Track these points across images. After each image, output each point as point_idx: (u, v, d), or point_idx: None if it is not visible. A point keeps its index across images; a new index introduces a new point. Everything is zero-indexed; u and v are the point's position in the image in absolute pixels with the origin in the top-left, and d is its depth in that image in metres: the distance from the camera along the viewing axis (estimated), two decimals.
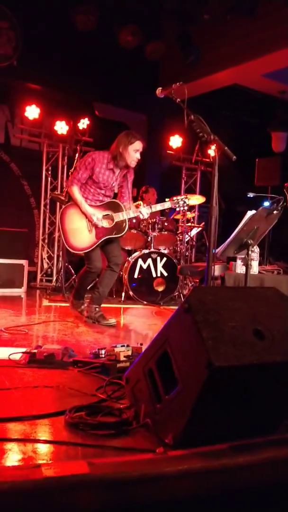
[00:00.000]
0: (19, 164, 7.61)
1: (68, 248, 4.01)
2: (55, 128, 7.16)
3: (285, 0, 5.96)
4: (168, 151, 7.99)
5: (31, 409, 1.82)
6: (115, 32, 6.98)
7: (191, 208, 7.41)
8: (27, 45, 6.64)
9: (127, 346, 2.46)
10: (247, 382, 1.52)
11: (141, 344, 2.68)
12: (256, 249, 3.76)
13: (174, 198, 4.34)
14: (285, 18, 6.05)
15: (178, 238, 6.61)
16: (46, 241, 7.60)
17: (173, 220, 6.85)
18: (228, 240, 3.32)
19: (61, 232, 4.02)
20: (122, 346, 2.45)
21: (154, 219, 6.17)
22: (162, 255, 5.96)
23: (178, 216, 7.15)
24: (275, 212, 3.34)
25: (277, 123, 8.47)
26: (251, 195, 4.66)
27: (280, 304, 1.71)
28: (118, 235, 4.01)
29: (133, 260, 5.80)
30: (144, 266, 5.88)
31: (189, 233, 6.97)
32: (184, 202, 4.29)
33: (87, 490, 1.25)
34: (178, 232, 6.73)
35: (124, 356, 2.38)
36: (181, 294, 6.09)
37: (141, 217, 4.05)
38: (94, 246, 3.94)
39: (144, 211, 4.01)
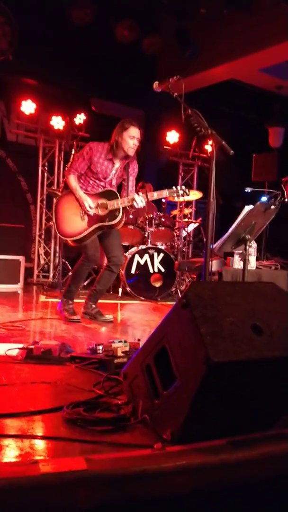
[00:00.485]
0: (15, 159, 7.58)
1: (59, 234, 3.97)
2: (52, 123, 7.12)
3: None
4: (165, 147, 7.97)
5: (28, 405, 1.81)
6: (111, 26, 6.94)
7: (188, 203, 7.40)
8: (23, 40, 6.59)
9: (125, 341, 2.46)
10: (246, 377, 1.51)
11: (139, 340, 2.68)
12: (254, 244, 3.76)
13: (173, 187, 4.12)
14: (282, 12, 6.03)
15: (175, 234, 6.60)
16: (42, 237, 7.58)
17: (170, 216, 6.84)
18: (226, 235, 3.32)
19: (54, 219, 3.94)
20: (119, 341, 2.44)
21: (151, 215, 6.16)
22: (159, 251, 5.95)
23: (175, 212, 7.14)
24: (272, 207, 3.33)
25: (274, 119, 8.46)
26: (248, 190, 4.64)
27: (278, 299, 1.70)
28: (111, 223, 3.85)
29: (130, 256, 5.79)
30: (141, 262, 5.87)
31: (186, 229, 6.96)
32: (184, 192, 4.10)
33: (85, 486, 1.24)
34: (175, 227, 6.72)
35: (122, 352, 2.37)
36: (179, 290, 6.09)
37: (136, 205, 3.82)
38: (85, 232, 3.82)
39: (139, 199, 3.82)
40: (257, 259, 4.08)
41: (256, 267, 3.99)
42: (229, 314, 1.53)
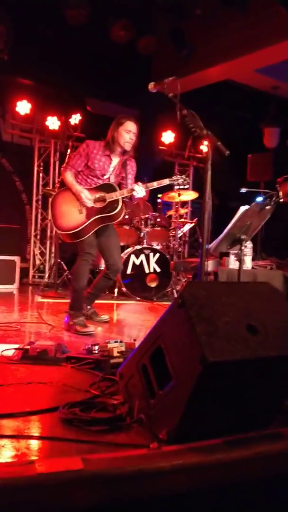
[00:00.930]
0: (11, 159, 7.56)
1: (56, 229, 3.84)
2: (47, 123, 7.12)
3: None
4: (160, 147, 7.98)
5: (24, 405, 1.81)
6: (107, 26, 6.94)
7: (184, 203, 7.41)
8: (18, 40, 6.58)
9: (121, 342, 2.46)
10: (241, 377, 1.52)
11: (135, 340, 2.68)
12: (249, 244, 3.76)
13: (174, 177, 4.06)
14: (277, 13, 6.04)
15: (170, 234, 6.61)
16: (38, 237, 7.58)
17: (165, 216, 6.84)
18: (221, 235, 3.32)
19: (51, 215, 3.85)
20: (115, 342, 2.44)
21: (147, 215, 6.16)
22: (155, 251, 5.96)
23: (171, 212, 7.15)
24: (267, 207, 3.34)
25: (270, 119, 8.48)
26: (243, 190, 4.64)
27: (273, 299, 1.71)
28: (111, 213, 3.68)
29: (125, 256, 5.79)
30: (137, 262, 5.88)
31: (182, 229, 6.97)
32: (184, 180, 4.03)
33: (81, 486, 1.24)
34: (170, 227, 6.73)
35: (118, 352, 2.37)
36: (174, 290, 6.10)
37: (136, 194, 3.68)
38: (84, 225, 3.65)
39: (139, 189, 3.67)
40: (253, 259, 4.08)
41: (252, 267, 4.00)
42: (224, 314, 1.54)
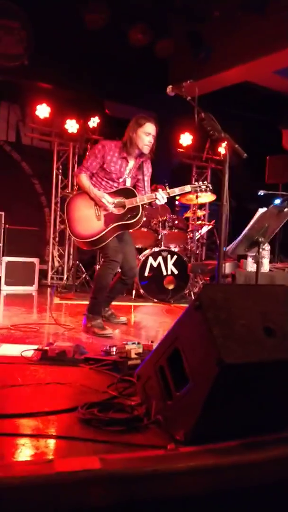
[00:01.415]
0: (30, 163, 7.66)
1: (73, 237, 3.68)
2: (66, 126, 7.19)
3: None
4: (178, 149, 7.98)
5: (43, 405, 1.84)
6: (125, 30, 6.99)
7: (201, 206, 7.40)
8: (38, 45, 6.67)
9: (138, 343, 2.48)
10: (258, 379, 1.52)
11: (152, 342, 2.70)
12: (267, 246, 3.75)
13: (195, 183, 3.96)
14: None
15: (188, 236, 6.61)
16: (57, 239, 7.64)
17: (183, 218, 6.84)
18: (239, 238, 3.32)
19: (66, 221, 3.66)
20: (133, 343, 2.46)
21: (165, 217, 6.17)
22: (172, 253, 5.97)
23: (188, 214, 7.15)
24: (286, 209, 3.32)
25: None
26: (262, 193, 4.62)
27: None
28: (131, 221, 3.55)
29: (143, 258, 5.81)
30: (155, 264, 5.89)
31: (199, 231, 6.97)
32: (207, 186, 3.90)
33: (98, 485, 1.26)
34: (188, 230, 6.73)
35: (135, 354, 2.39)
36: (192, 292, 6.09)
37: (158, 202, 3.56)
38: (103, 233, 3.51)
39: (160, 196, 3.54)
40: (271, 262, 4.06)
41: (270, 270, 3.98)
42: (241, 316, 1.54)
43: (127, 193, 3.61)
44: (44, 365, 2.44)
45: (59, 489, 1.23)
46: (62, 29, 6.63)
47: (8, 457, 1.41)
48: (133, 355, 2.38)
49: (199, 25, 6.92)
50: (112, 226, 3.55)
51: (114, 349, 2.56)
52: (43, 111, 6.99)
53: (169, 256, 5.94)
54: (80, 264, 6.52)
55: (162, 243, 6.04)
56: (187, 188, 3.74)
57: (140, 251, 6.22)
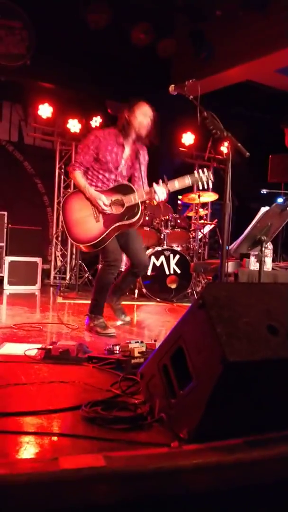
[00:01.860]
0: (33, 162, 7.68)
1: (72, 241, 3.50)
2: (68, 126, 7.21)
3: None
4: (180, 149, 7.98)
5: (47, 403, 1.85)
6: (127, 30, 6.99)
7: (204, 205, 7.40)
8: (40, 45, 6.69)
9: (141, 342, 2.48)
10: (261, 377, 1.52)
11: (155, 341, 2.71)
12: (270, 245, 3.75)
13: (195, 173, 3.53)
14: None
15: (191, 235, 6.61)
16: (59, 239, 7.66)
17: (186, 218, 6.85)
18: (242, 236, 3.32)
19: (64, 223, 3.50)
20: (136, 342, 2.47)
21: (167, 216, 6.17)
22: (175, 252, 5.97)
23: (191, 213, 7.15)
24: None
25: None
26: (264, 191, 4.62)
27: None
28: (130, 221, 3.39)
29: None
30: (157, 264, 5.89)
31: (202, 230, 6.97)
32: (208, 177, 3.49)
33: (103, 483, 1.27)
34: (191, 229, 6.73)
35: (139, 352, 2.39)
36: (194, 292, 6.10)
37: (157, 198, 3.36)
38: (103, 235, 3.35)
39: (160, 191, 3.33)
40: (273, 261, 4.06)
41: (272, 268, 3.98)
42: (245, 314, 1.55)
43: (125, 189, 3.43)
44: (48, 364, 2.45)
45: (63, 487, 1.24)
46: (64, 29, 6.64)
47: (13, 455, 1.42)
48: (136, 354, 2.38)
49: (201, 24, 6.92)
50: (112, 228, 3.40)
51: (117, 348, 2.57)
52: (45, 110, 7.00)
53: (171, 256, 5.95)
54: (83, 264, 6.53)
55: (165, 242, 6.05)
56: (187, 180, 3.47)
57: None
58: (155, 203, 3.45)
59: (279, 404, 1.64)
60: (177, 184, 3.45)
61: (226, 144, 2.92)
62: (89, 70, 7.05)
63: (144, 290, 5.77)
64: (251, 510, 1.44)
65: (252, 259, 3.79)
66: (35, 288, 6.34)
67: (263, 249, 3.35)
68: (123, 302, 5.30)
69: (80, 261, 6.48)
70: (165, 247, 5.97)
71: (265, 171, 7.41)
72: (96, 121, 7.30)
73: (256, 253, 3.52)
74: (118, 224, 3.41)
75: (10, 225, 6.45)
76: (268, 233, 3.34)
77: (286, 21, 6.18)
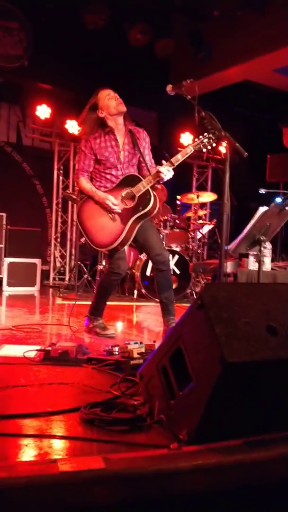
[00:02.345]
0: (31, 163, 7.67)
1: (96, 247, 3.38)
2: (66, 127, 7.20)
3: None
4: (179, 149, 7.96)
5: (46, 405, 1.84)
6: (124, 30, 6.99)
7: (202, 205, 7.40)
8: (38, 45, 6.68)
9: (140, 343, 2.48)
10: (261, 377, 1.52)
11: (154, 341, 2.70)
12: (269, 245, 3.75)
13: (196, 139, 3.32)
14: None
15: (190, 236, 6.61)
16: (58, 240, 7.66)
17: (184, 218, 6.84)
18: (240, 236, 3.32)
19: (83, 231, 3.39)
20: (135, 343, 2.46)
21: (166, 217, 6.17)
22: (174, 253, 5.97)
23: (189, 214, 7.15)
24: (287, 208, 3.32)
25: None
26: (263, 191, 4.61)
27: None
28: (145, 210, 3.25)
29: (145, 258, 5.81)
30: None
31: (200, 230, 6.96)
32: (210, 138, 3.22)
33: (102, 485, 1.26)
34: (189, 229, 6.73)
35: (138, 353, 2.39)
36: (194, 292, 6.09)
37: (165, 177, 3.21)
38: (124, 232, 3.25)
39: (165, 170, 3.19)
40: (272, 260, 4.06)
41: (271, 268, 3.98)
42: (244, 314, 1.54)
43: (132, 180, 3.30)
44: (47, 366, 2.44)
45: (63, 489, 1.23)
46: (62, 30, 6.64)
47: (12, 458, 1.41)
48: (135, 355, 2.38)
49: (199, 24, 6.92)
50: (130, 222, 3.27)
51: (116, 349, 2.56)
52: (43, 111, 7.00)
53: (170, 256, 5.94)
54: (82, 265, 6.53)
55: (164, 242, 6.05)
56: (189, 149, 3.29)
57: (140, 250, 6.22)
58: (165, 178, 3.23)
59: (278, 404, 1.64)
60: (180, 156, 3.30)
61: (224, 144, 2.91)
62: (87, 70, 7.04)
63: (143, 290, 5.77)
64: (251, 511, 1.44)
65: (251, 259, 3.79)
66: (34, 290, 6.33)
67: (262, 249, 3.35)
68: (122, 303, 5.32)
69: (79, 262, 6.47)
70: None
71: (263, 170, 7.41)
72: None
73: (255, 253, 3.52)
74: (134, 217, 3.28)
75: (9, 227, 6.44)
76: (267, 233, 3.34)
77: (284, 20, 6.18)
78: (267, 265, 3.84)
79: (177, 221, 6.36)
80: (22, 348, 2.73)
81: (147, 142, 3.46)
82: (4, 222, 6.42)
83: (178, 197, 7.07)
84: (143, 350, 2.43)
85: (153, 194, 3.26)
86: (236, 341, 1.45)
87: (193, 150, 3.28)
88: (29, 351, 2.63)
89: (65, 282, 6.97)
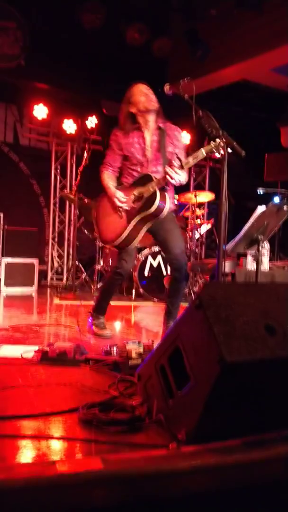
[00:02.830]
0: (28, 163, 7.65)
1: (102, 242, 3.42)
2: (63, 127, 7.19)
3: None
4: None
5: (44, 406, 1.84)
6: (121, 29, 6.97)
7: (200, 204, 7.40)
8: (34, 45, 6.65)
9: (139, 343, 2.47)
10: (259, 377, 1.52)
11: (153, 341, 2.70)
12: (267, 245, 3.74)
13: (211, 142, 2.93)
14: None
15: (187, 235, 6.60)
16: (56, 239, 7.64)
17: (182, 217, 6.83)
18: (238, 236, 3.31)
19: (95, 225, 3.40)
20: (133, 343, 2.46)
21: None
22: None
23: (187, 213, 7.15)
24: (285, 207, 3.32)
25: (286, 118, 8.41)
26: (261, 191, 4.61)
27: None
28: (148, 212, 3.15)
29: (143, 257, 5.80)
30: (154, 264, 5.88)
31: (198, 230, 6.96)
32: (220, 144, 2.87)
33: (101, 486, 1.26)
34: (187, 229, 6.72)
35: (136, 353, 2.39)
36: (192, 291, 6.08)
37: (172, 180, 3.07)
38: (127, 231, 3.20)
39: (172, 172, 3.04)
40: (270, 260, 4.06)
41: (269, 268, 3.98)
42: (242, 314, 1.54)
43: (146, 180, 3.21)
44: (45, 366, 2.44)
45: (62, 491, 1.23)
46: (59, 29, 6.61)
47: (10, 459, 1.41)
48: (133, 355, 2.37)
49: (196, 23, 6.91)
50: (134, 222, 3.22)
51: (114, 349, 2.56)
52: (40, 111, 6.98)
53: None
54: (80, 264, 6.51)
55: None
56: (201, 153, 3.05)
57: (139, 250, 6.20)
58: (172, 182, 3.09)
59: (277, 404, 1.63)
60: (191, 159, 3.14)
61: (222, 143, 2.90)
62: (84, 70, 7.02)
63: (141, 290, 5.76)
64: (250, 511, 1.43)
65: (249, 258, 3.78)
66: (32, 290, 6.31)
67: (260, 248, 3.34)
68: (121, 303, 5.30)
69: (77, 262, 6.46)
70: None
71: (261, 170, 7.41)
72: (91, 122, 7.27)
73: (253, 252, 3.52)
74: (138, 217, 3.21)
75: (6, 226, 6.42)
76: (265, 232, 3.33)
77: (281, 19, 6.17)
78: (265, 264, 3.83)
79: None
80: (20, 348, 2.72)
81: (179, 141, 3.33)
82: (1, 222, 6.40)
83: (176, 196, 7.06)
84: (141, 349, 2.43)
85: (159, 196, 3.13)
86: (235, 340, 1.45)
87: (205, 155, 3.08)
88: (27, 351, 2.62)
89: (63, 282, 6.95)
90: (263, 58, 6.66)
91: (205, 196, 6.94)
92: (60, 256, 7.62)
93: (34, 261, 6.42)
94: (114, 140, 3.32)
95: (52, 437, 1.57)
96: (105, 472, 1.27)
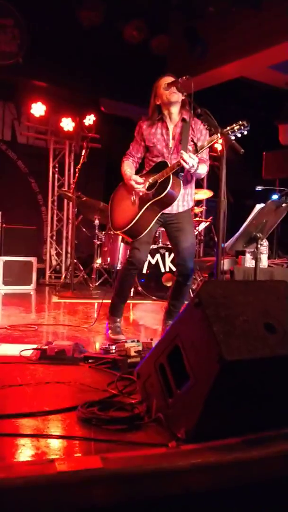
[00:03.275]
0: (26, 161, 7.64)
1: (113, 229, 3.35)
2: (61, 125, 7.18)
3: None
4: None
5: (43, 405, 1.83)
6: (120, 27, 6.96)
7: (198, 202, 7.40)
8: (32, 42, 6.64)
9: (138, 341, 2.47)
10: (259, 375, 1.51)
11: (151, 339, 2.69)
12: (265, 242, 3.75)
13: (227, 126, 2.85)
14: None
15: None
16: (54, 238, 7.64)
17: None
18: (237, 234, 3.31)
19: (109, 213, 3.39)
20: (132, 341, 2.46)
21: None
22: (170, 250, 5.95)
23: None
24: (284, 205, 3.32)
25: (284, 115, 8.40)
26: (259, 188, 4.60)
27: None
28: (159, 196, 3.08)
29: None
30: (153, 262, 5.88)
31: (197, 228, 6.95)
32: (242, 126, 2.88)
33: (100, 485, 1.25)
34: None
35: (135, 352, 2.38)
36: (190, 289, 6.08)
37: (186, 166, 2.97)
38: (137, 217, 3.15)
39: (186, 156, 2.95)
40: (269, 258, 4.06)
41: (268, 266, 3.98)
42: (241, 312, 1.53)
43: (161, 167, 3.18)
44: (44, 365, 2.43)
45: (61, 489, 1.22)
46: (57, 26, 6.60)
47: (9, 458, 1.40)
48: (132, 353, 2.37)
49: (195, 21, 6.90)
50: (145, 207, 3.15)
51: (113, 347, 2.55)
52: (38, 109, 6.97)
53: (167, 254, 5.93)
54: (78, 263, 6.51)
55: (160, 240, 6.03)
56: (216, 136, 2.92)
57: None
58: (187, 167, 2.99)
59: (277, 402, 1.63)
60: (206, 144, 3.07)
61: (220, 141, 2.89)
62: (82, 68, 7.01)
63: (139, 288, 5.76)
64: (250, 509, 1.43)
65: (248, 256, 3.79)
66: (30, 288, 6.31)
67: (259, 246, 3.34)
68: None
69: (75, 260, 6.45)
70: (160, 245, 5.96)
71: (260, 167, 7.41)
72: (89, 119, 7.27)
73: (252, 250, 3.52)
74: (150, 203, 3.15)
75: (4, 225, 6.41)
76: (264, 230, 3.33)
77: (279, 17, 6.17)
78: (264, 262, 3.84)
79: None
80: (19, 347, 2.71)
81: (203, 135, 3.23)
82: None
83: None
84: (140, 348, 2.42)
85: (172, 182, 3.07)
86: (234, 339, 1.45)
87: (219, 137, 2.90)
88: (25, 350, 2.61)
89: (61, 281, 6.95)
90: (261, 55, 6.66)
91: (204, 194, 6.94)
92: (59, 255, 7.61)
93: (33, 259, 6.41)
94: (138, 132, 3.31)
95: (51, 436, 1.56)
96: (104, 470, 1.27)
